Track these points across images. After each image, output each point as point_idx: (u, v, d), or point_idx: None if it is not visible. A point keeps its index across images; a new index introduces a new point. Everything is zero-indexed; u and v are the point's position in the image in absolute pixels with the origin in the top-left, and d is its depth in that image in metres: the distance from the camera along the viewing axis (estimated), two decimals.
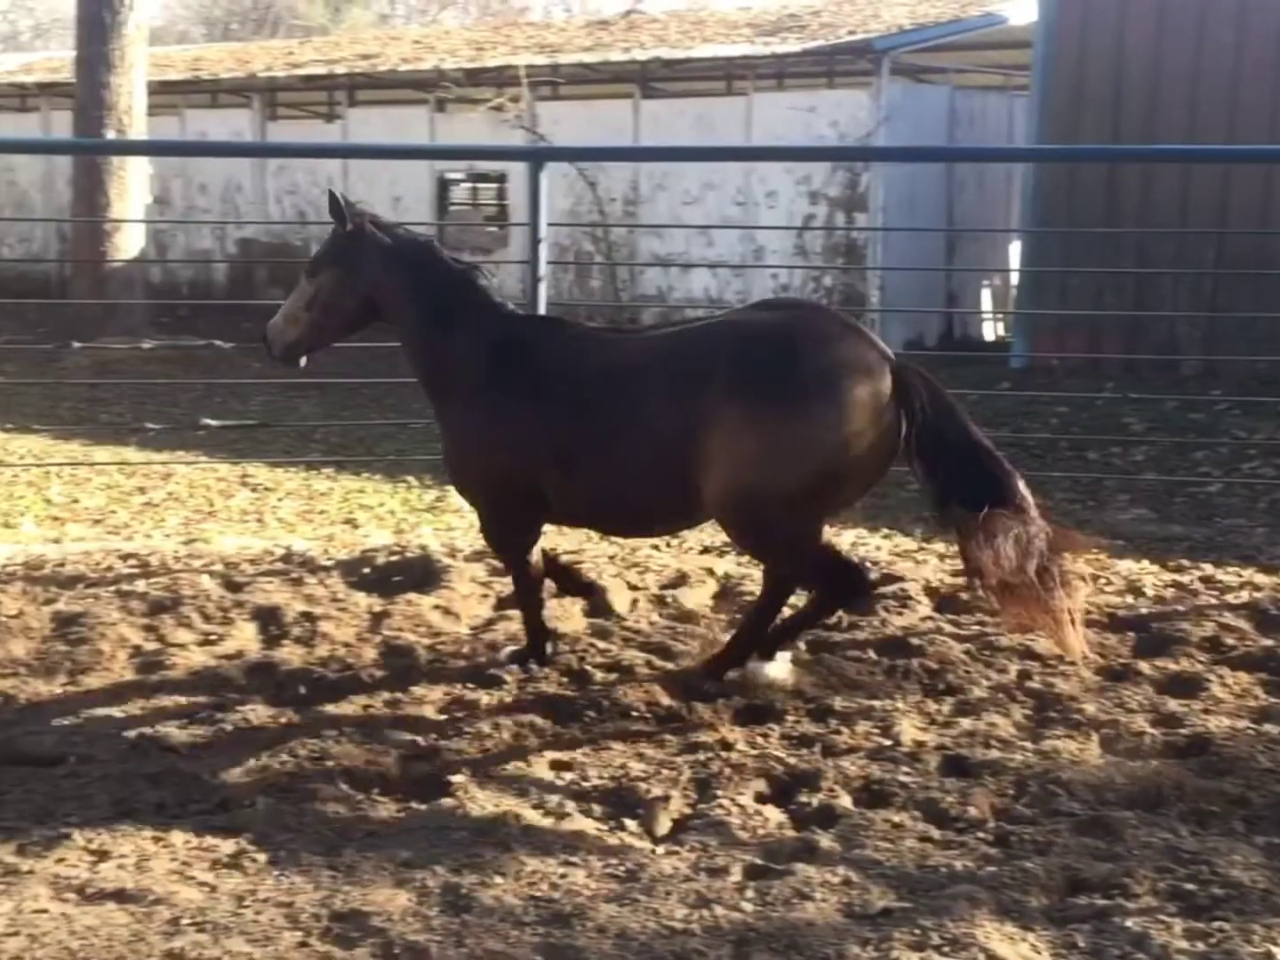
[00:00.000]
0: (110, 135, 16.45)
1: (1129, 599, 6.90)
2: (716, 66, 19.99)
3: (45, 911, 3.83)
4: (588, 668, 5.82)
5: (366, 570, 7.18)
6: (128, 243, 17.18)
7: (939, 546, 7.94)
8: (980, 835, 4.35)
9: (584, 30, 24.25)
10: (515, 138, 19.45)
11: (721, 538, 8.05)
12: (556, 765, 4.93)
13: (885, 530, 8.53)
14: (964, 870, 4.09)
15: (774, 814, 4.52)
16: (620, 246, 20.22)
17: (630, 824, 4.45)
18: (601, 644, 6.11)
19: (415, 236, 6.03)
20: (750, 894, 3.94)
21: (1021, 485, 5.18)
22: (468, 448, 5.73)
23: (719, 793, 4.63)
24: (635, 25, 23.95)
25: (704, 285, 19.53)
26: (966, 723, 5.26)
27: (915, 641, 6.11)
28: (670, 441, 5.24)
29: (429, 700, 5.50)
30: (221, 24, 65.08)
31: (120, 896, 3.91)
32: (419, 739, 5.12)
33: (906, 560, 7.56)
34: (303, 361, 6.13)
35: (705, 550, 7.71)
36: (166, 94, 23.01)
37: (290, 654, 6.05)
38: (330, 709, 5.41)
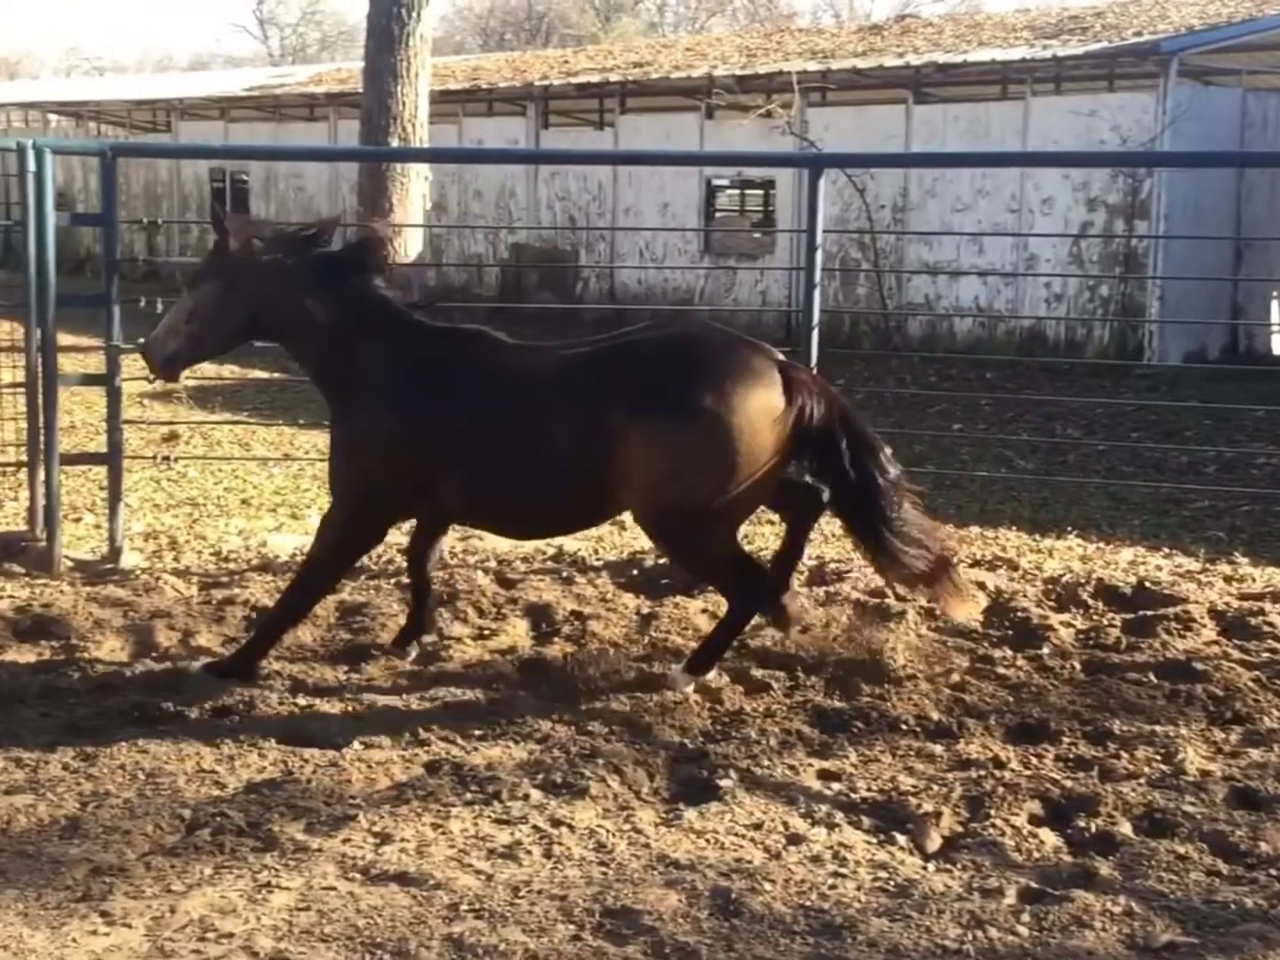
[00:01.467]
0: (394, 143, 17.02)
1: None
2: (992, 70, 19.60)
3: (333, 889, 3.98)
4: (856, 677, 5.76)
5: (635, 572, 7.28)
6: (408, 246, 17.77)
7: (1224, 568, 7.61)
8: (1272, 872, 4.15)
9: (856, 35, 24.10)
10: (784, 144, 19.44)
11: (992, 551, 7.90)
12: (824, 774, 4.89)
13: (1166, 550, 8.21)
14: (1255, 908, 3.90)
15: (1050, 837, 4.39)
16: (888, 254, 20.00)
17: (900, 838, 4.38)
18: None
19: (310, 251, 5.89)
20: (1026, 918, 3.84)
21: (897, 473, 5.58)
22: (365, 447, 5.75)
23: (991, 812, 4.53)
24: (909, 29, 23.68)
25: (974, 294, 19.16)
26: (1256, 754, 5.02)
27: (1199, 666, 5.86)
28: (581, 456, 5.43)
29: (695, 704, 5.53)
30: (496, 34, 67.04)
31: (402, 879, 4.04)
32: (686, 741, 5.15)
33: (1189, 581, 7.26)
34: (183, 375, 6.19)
35: (976, 564, 7.55)
36: (446, 102, 23.77)
37: (561, 651, 6.17)
38: (600, 707, 5.49)
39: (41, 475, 7.35)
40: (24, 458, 7.65)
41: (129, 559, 7.42)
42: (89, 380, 8.08)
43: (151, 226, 8.93)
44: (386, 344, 5.79)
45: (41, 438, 7.32)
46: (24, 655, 6.00)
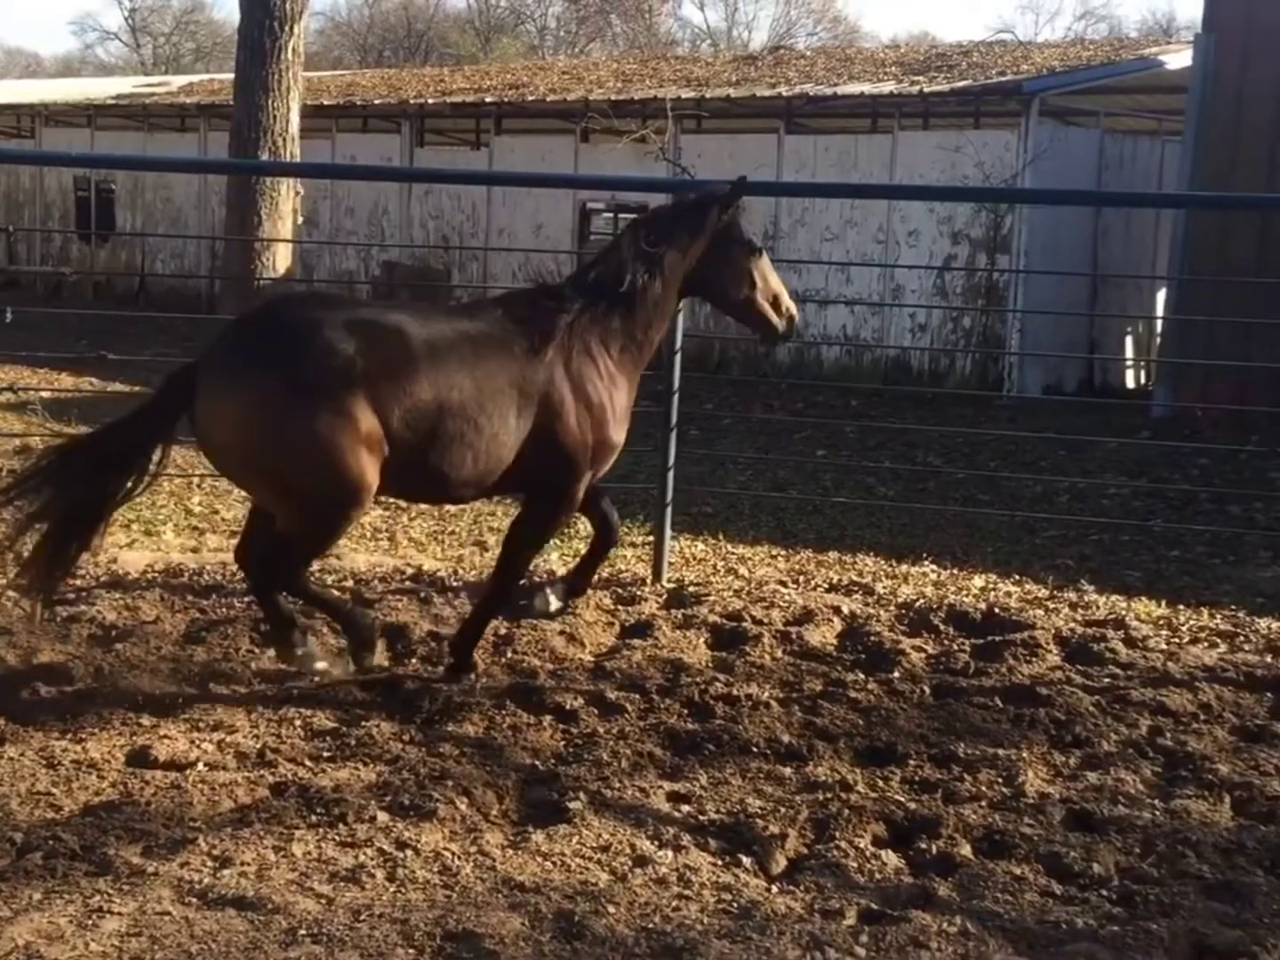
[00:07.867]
0: (264, 156, 16.84)
1: (1268, 658, 6.71)
2: (862, 104, 19.93)
3: (168, 914, 3.88)
4: (709, 700, 5.80)
5: None
6: (277, 262, 17.57)
7: (1071, 595, 7.80)
8: (1103, 893, 4.25)
9: (731, 65, 24.37)
10: (658, 170, 19.57)
11: (849, 576, 8.01)
12: (674, 797, 4.91)
13: (1016, 577, 8.38)
14: (1085, 928, 3.99)
15: (892, 859, 4.46)
16: None
17: (746, 861, 4.41)
18: (724, 677, 6.09)
19: None
20: (865, 939, 3.88)
21: None
22: None
23: (836, 834, 4.58)
24: (782, 61, 24.01)
25: (841, 323, 19.43)
26: (1093, 777, 5.14)
27: (1043, 691, 5.99)
28: None
29: (548, 725, 5.52)
30: (375, 50, 66.61)
31: (240, 904, 3.96)
32: (538, 763, 5.13)
33: (1037, 608, 7.43)
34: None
35: (833, 588, 7.65)
36: (320, 117, 23.57)
37: (415, 672, 6.11)
38: (452, 729, 5.45)
39: None
40: None
41: None
42: None
43: (2, 233, 8.66)
44: None
45: None
46: None
